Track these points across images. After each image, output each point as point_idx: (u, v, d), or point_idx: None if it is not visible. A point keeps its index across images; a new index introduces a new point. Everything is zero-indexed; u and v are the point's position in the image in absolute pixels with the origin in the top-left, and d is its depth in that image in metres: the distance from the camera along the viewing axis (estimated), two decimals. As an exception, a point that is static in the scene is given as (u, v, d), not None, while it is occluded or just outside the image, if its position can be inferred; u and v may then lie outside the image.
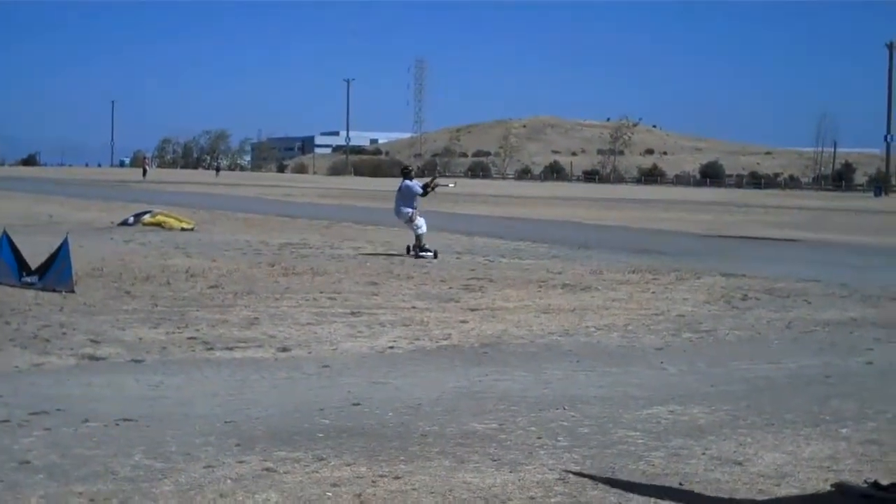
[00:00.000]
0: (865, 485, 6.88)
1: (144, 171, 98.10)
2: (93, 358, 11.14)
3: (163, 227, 29.68)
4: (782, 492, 6.84)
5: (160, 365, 10.93)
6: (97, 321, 13.41)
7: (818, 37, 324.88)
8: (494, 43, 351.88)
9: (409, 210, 23.62)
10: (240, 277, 18.54)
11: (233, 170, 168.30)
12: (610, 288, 18.51)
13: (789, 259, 25.55)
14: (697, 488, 6.81)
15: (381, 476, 6.84)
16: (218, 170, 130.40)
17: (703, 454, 7.70)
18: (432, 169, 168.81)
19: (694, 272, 21.27)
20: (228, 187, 74.62)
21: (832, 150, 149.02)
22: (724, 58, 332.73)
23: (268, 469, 7.03)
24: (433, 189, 24.53)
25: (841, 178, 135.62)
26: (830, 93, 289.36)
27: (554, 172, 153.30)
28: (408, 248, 23.30)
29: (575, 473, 7.06)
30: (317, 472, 7.00)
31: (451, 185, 29.60)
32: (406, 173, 24.77)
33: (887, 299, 17.66)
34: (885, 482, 6.91)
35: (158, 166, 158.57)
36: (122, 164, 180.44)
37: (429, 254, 22.75)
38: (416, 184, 24.13)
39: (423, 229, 23.32)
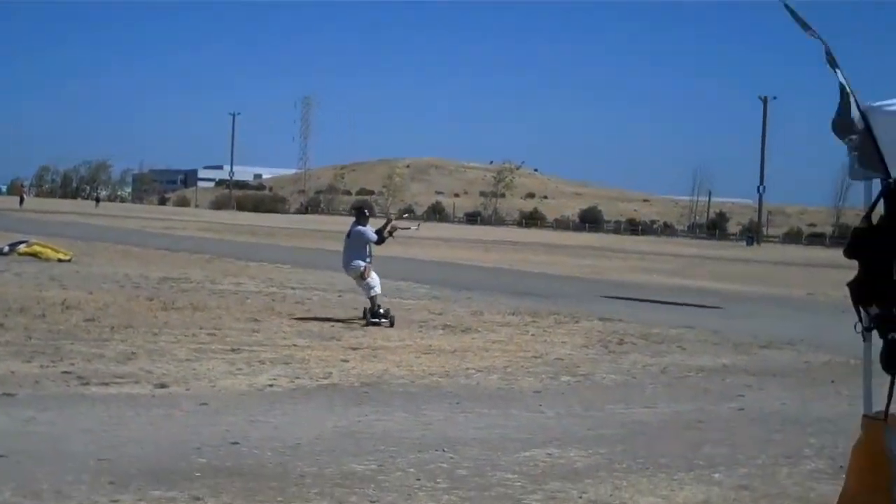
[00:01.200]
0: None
1: (21, 200, 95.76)
2: (-38, 391, 10.82)
3: (39, 258, 29.02)
4: (656, 535, 6.97)
5: (33, 399, 10.66)
6: (-33, 353, 13.04)
7: (697, 88, 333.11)
8: (380, 82, 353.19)
9: (361, 263, 18.67)
10: (117, 311, 18.22)
11: (113, 201, 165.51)
12: (490, 329, 18.65)
13: (664, 306, 26.02)
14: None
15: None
16: (97, 200, 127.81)
17: (580, 497, 7.82)
18: (315, 206, 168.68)
19: (572, 316, 21.55)
20: (108, 218, 73.35)
21: (707, 199, 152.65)
22: (606, 105, 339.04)
23: (143, 508, 6.92)
24: (391, 235, 19.62)
25: (715, 227, 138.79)
26: (707, 143, 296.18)
27: (436, 213, 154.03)
28: (364, 312, 18.61)
29: (453, 515, 7.10)
30: (193, 511, 6.92)
31: (413, 228, 22.51)
32: (359, 214, 19.36)
33: (758, 346, 18.13)
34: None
35: (37, 195, 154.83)
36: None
37: (384, 320, 18.11)
38: (370, 230, 18.98)
39: (378, 289, 18.56)
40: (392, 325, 17.93)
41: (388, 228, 19.52)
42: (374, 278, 18.53)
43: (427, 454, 9.01)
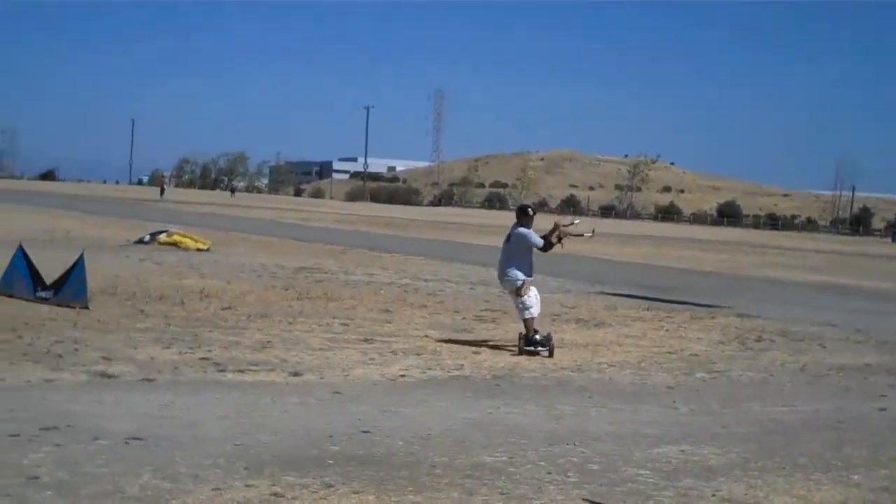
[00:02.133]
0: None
1: (162, 190, 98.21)
2: (104, 375, 11.14)
3: (178, 247, 29.72)
4: (792, 537, 6.80)
5: (171, 385, 10.92)
6: (110, 339, 13.42)
7: (840, 79, 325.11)
8: (515, 74, 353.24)
9: (521, 276, 15.09)
10: (254, 300, 18.55)
11: (250, 192, 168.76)
12: (623, 324, 18.46)
13: (805, 302, 25.45)
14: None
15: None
16: (233, 191, 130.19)
17: (713, 496, 7.66)
18: (449, 198, 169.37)
19: (709, 312, 21.20)
20: (245, 209, 74.84)
21: (850, 193, 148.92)
22: (744, 97, 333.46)
23: (275, 494, 7.02)
24: (560, 242, 15.49)
25: (858, 223, 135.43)
26: (850, 136, 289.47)
27: (570, 206, 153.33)
28: (519, 339, 14.85)
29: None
30: (324, 498, 6.99)
31: (587, 235, 17.08)
32: (522, 213, 15.54)
33: (902, 346, 17.57)
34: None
35: (176, 186, 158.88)
36: (140, 183, 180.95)
37: (542, 349, 14.63)
38: (534, 234, 15.29)
39: (535, 310, 15.03)
40: (551, 354, 14.49)
41: (557, 233, 15.44)
42: (532, 297, 15.03)
43: (558, 448, 8.94)
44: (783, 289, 29.97)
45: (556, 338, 14.85)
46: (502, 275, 15.34)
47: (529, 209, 15.69)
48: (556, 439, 9.27)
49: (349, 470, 7.70)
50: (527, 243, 15.18)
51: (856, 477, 8.51)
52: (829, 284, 32.96)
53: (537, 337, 14.73)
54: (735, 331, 18.38)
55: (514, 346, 14.83)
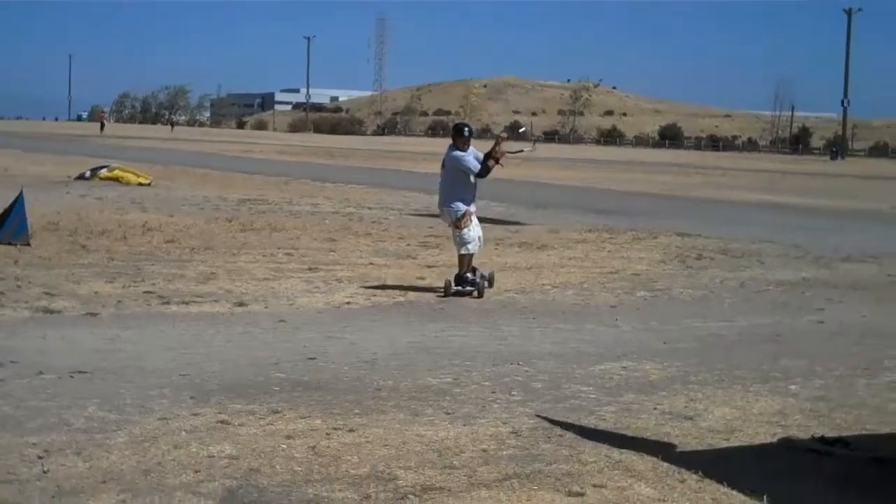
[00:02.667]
0: (812, 439, 7.02)
1: (102, 126, 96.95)
2: (48, 311, 11.09)
3: (120, 182, 29.45)
4: (731, 445, 6.96)
5: (115, 319, 10.90)
6: (52, 275, 13.34)
7: (778, 1, 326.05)
8: (456, 1, 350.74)
9: (461, 206, 13.37)
10: (197, 232, 18.47)
11: (192, 126, 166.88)
12: (566, 247, 18.61)
13: (744, 221, 25.74)
14: (648, 442, 6.91)
15: (336, 429, 6.89)
16: (172, 125, 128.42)
17: (655, 409, 7.82)
18: (392, 127, 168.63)
19: (650, 232, 21.40)
20: (187, 143, 74.06)
21: (790, 114, 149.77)
22: (684, 20, 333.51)
23: (222, 422, 7.07)
24: (498, 162, 13.46)
25: (798, 142, 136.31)
26: (789, 57, 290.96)
27: (514, 131, 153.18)
28: (446, 285, 13.33)
29: (528, 427, 7.15)
30: (272, 424, 7.05)
31: (528, 150, 15.31)
32: (457, 134, 13.73)
33: (839, 260, 17.87)
34: (831, 437, 7.05)
35: (116, 121, 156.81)
36: (79, 119, 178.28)
37: (472, 289, 13.18)
38: (471, 156, 13.38)
39: (473, 246, 13.45)
40: (481, 295, 13.08)
41: (496, 154, 13.33)
42: (472, 230, 13.33)
43: (502, 368, 9.06)
44: (724, 208, 30.27)
45: (498, 261, 14.91)
46: (444, 204, 13.51)
47: (466, 129, 13.68)
48: (500, 360, 9.39)
49: (295, 395, 7.76)
50: (460, 167, 13.28)
51: (793, 387, 8.71)
52: (769, 203, 33.32)
53: (469, 276, 13.19)
54: (676, 250, 18.59)
55: (441, 291, 13.24)
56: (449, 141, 13.80)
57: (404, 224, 21.64)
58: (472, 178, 13.34)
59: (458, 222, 13.29)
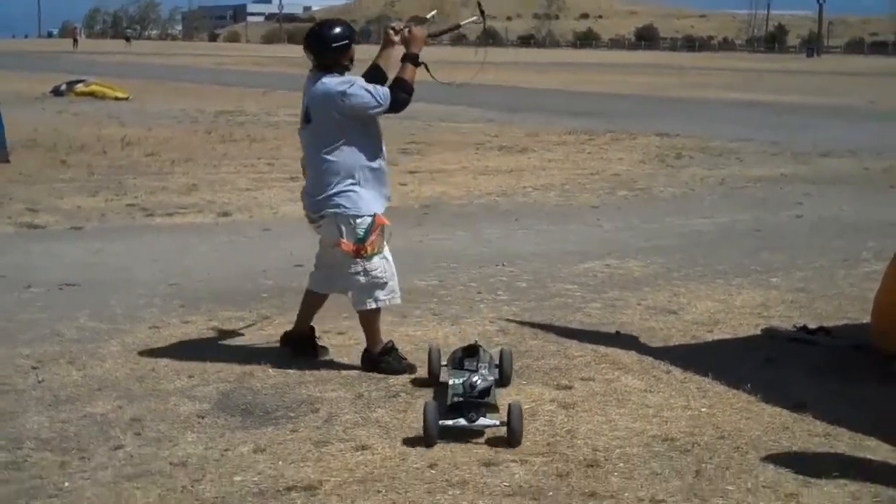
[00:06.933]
0: (795, 329, 7.15)
1: (75, 41, 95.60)
2: (31, 226, 11.09)
3: (96, 97, 29.22)
4: (715, 337, 7.10)
5: (100, 232, 10.91)
6: (34, 190, 13.31)
7: None
8: None
9: (360, 206, 6.47)
10: (176, 145, 18.40)
11: (164, 39, 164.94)
12: (546, 149, 18.64)
13: (722, 119, 25.77)
14: (633, 336, 7.04)
15: (325, 332, 6.97)
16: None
17: (639, 304, 7.94)
18: (367, 36, 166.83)
19: (629, 133, 21.43)
20: (161, 57, 73.23)
21: (765, 12, 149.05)
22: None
23: (213, 328, 7.15)
24: (416, 57, 6.74)
25: (774, 40, 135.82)
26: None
27: (490, 38, 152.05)
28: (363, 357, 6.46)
29: (515, 325, 7.26)
30: (262, 329, 7.14)
31: (429, 17, 7.60)
32: (322, 47, 6.41)
33: (817, 156, 17.99)
34: (812, 326, 7.19)
35: (88, 37, 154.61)
36: (50, 36, 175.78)
37: (397, 365, 6.30)
38: (359, 82, 6.38)
39: (387, 295, 6.52)
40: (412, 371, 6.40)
41: (406, 37, 6.83)
42: (386, 256, 6.62)
43: (487, 269, 9.15)
44: (701, 107, 30.27)
45: (479, 165, 14.88)
46: (315, 205, 6.61)
47: (336, 29, 6.49)
48: (484, 261, 9.48)
49: (284, 301, 7.83)
50: (348, 109, 6.34)
51: (774, 280, 8.84)
52: (746, 101, 33.33)
53: (388, 358, 6.36)
54: (655, 150, 18.65)
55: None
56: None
57: (385, 129, 21.51)
58: (372, 129, 6.65)
59: (357, 245, 6.41)
